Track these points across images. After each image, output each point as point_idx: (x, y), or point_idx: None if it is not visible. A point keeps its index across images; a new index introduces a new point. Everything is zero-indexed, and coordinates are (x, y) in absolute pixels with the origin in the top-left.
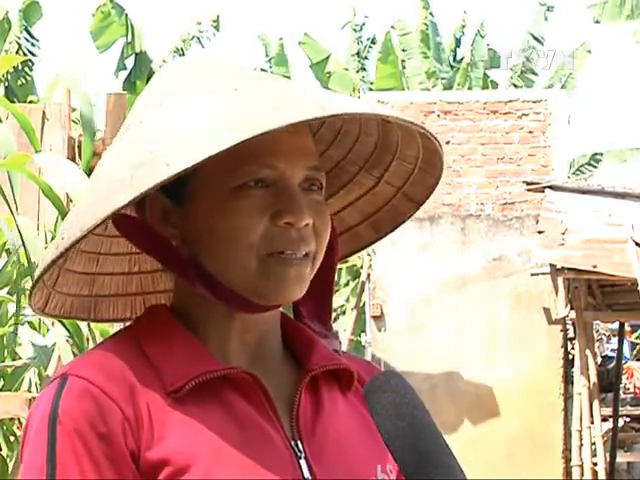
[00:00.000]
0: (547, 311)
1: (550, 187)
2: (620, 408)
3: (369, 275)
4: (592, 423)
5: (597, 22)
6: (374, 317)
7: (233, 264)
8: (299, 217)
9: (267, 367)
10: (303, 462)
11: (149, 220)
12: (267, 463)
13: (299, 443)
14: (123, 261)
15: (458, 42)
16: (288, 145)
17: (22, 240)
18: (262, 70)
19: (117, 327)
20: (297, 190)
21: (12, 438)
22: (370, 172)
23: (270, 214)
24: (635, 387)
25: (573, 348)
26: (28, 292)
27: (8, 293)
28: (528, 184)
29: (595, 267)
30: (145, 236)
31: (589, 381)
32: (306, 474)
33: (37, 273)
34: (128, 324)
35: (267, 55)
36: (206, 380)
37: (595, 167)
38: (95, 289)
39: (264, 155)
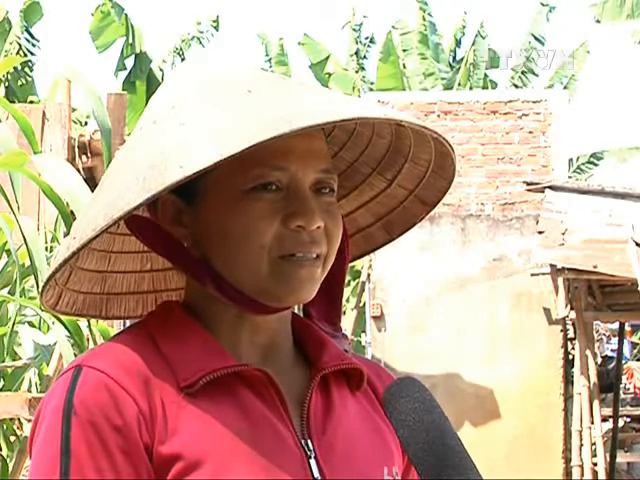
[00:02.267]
0: (547, 311)
1: (550, 187)
2: (620, 408)
3: (369, 275)
4: (592, 423)
5: (598, 22)
6: (374, 317)
7: (244, 266)
8: (311, 220)
9: (278, 366)
10: (313, 461)
11: (160, 220)
12: (278, 461)
13: (309, 442)
14: (135, 259)
15: (458, 42)
16: (300, 148)
17: (24, 240)
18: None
19: (117, 327)
20: (308, 193)
21: (12, 438)
22: (382, 174)
23: (282, 217)
24: (635, 387)
25: (573, 348)
26: (40, 291)
27: (9, 293)
28: (528, 184)
29: (595, 267)
30: (156, 236)
31: (589, 381)
32: (316, 474)
33: (49, 272)
34: (139, 319)
35: (267, 55)
36: (219, 376)
37: (596, 165)
38: (107, 287)
39: (276, 158)
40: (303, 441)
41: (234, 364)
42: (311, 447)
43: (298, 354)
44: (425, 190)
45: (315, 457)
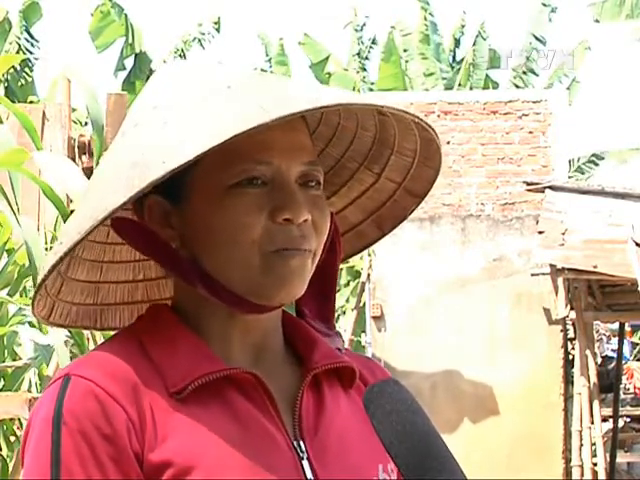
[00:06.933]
0: (547, 311)
1: (550, 187)
2: (620, 408)
3: (369, 275)
4: (592, 423)
5: (597, 21)
6: (374, 317)
7: (234, 262)
8: (298, 213)
9: (269, 366)
10: (305, 463)
11: (148, 223)
12: (270, 464)
13: (301, 443)
14: (127, 269)
15: (458, 42)
16: (283, 141)
17: (25, 240)
18: (262, 70)
19: None
20: (294, 186)
21: (12, 438)
22: (370, 168)
23: (268, 211)
24: (635, 387)
25: (573, 348)
26: (31, 300)
27: (8, 294)
28: (528, 184)
29: (595, 267)
30: (144, 239)
31: (589, 381)
32: (308, 475)
33: (38, 280)
34: (128, 324)
35: (267, 55)
36: (208, 381)
37: (596, 165)
38: (100, 298)
39: (259, 152)
40: (295, 442)
41: (223, 368)
42: (303, 448)
43: (289, 353)
44: (413, 181)
45: (308, 458)
